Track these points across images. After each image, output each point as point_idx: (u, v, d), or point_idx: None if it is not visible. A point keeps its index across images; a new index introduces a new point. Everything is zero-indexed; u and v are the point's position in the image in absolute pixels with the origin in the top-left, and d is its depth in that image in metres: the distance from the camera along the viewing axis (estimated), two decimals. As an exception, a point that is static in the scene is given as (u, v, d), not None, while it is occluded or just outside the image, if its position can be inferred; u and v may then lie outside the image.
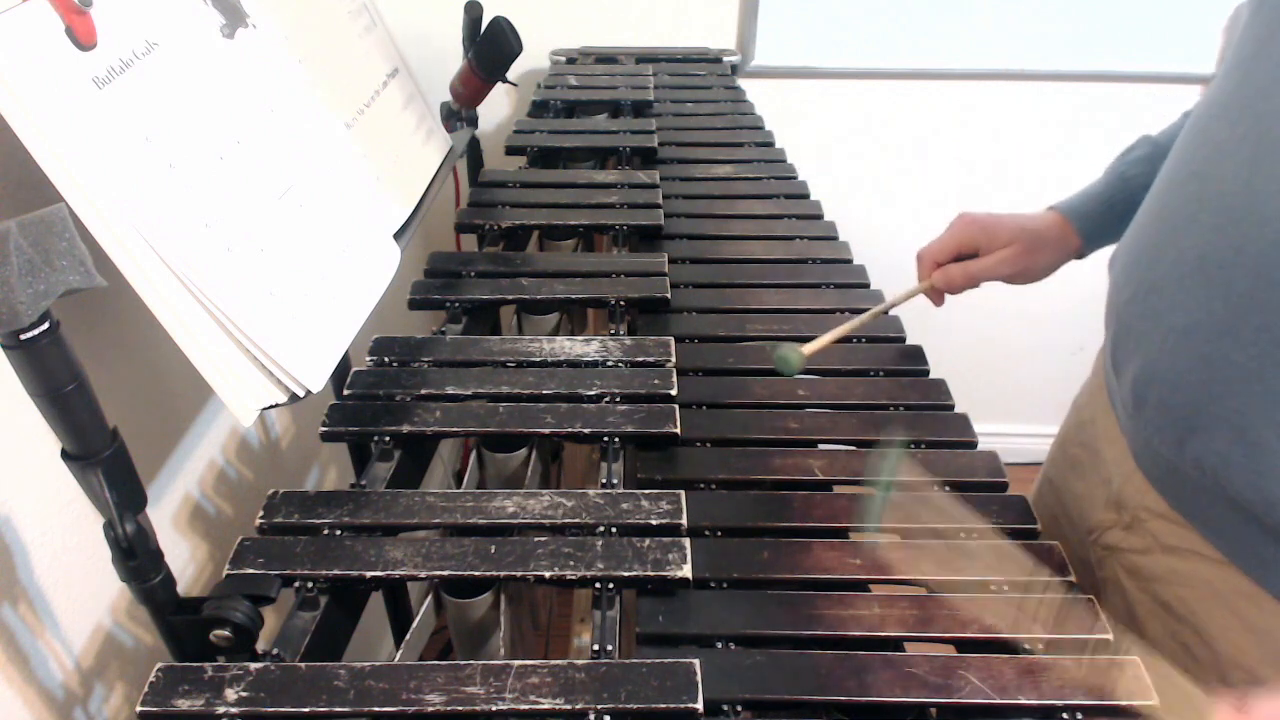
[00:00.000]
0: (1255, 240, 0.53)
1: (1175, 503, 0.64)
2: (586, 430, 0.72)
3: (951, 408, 0.78)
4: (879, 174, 1.77)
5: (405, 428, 0.72)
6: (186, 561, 0.83)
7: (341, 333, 0.68)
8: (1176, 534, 0.64)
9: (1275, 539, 0.57)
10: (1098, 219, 0.79)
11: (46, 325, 0.43)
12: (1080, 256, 0.82)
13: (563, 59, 1.55)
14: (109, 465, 0.49)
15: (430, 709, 0.51)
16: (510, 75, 1.16)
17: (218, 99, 0.63)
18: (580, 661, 0.54)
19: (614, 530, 0.63)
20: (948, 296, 0.86)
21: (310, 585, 0.60)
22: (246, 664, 0.54)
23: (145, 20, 0.58)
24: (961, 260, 0.83)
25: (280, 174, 0.67)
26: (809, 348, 0.75)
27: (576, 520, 0.63)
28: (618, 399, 0.75)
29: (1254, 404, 0.55)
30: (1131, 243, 0.68)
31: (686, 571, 0.60)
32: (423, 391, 0.75)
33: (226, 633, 0.54)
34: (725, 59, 1.58)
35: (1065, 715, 0.53)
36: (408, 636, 0.65)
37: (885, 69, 1.64)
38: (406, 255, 0.81)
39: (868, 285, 0.95)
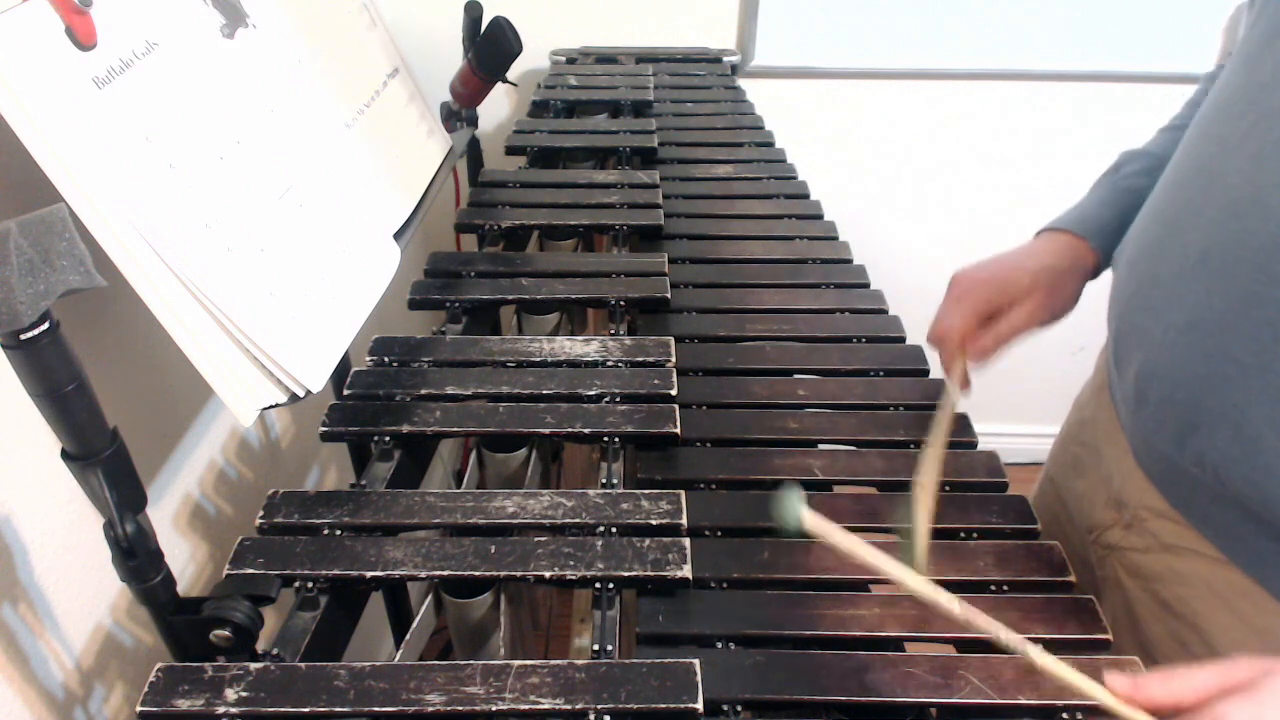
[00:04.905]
0: (1258, 234, 0.53)
1: (1175, 501, 0.64)
2: (586, 430, 0.72)
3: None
4: (879, 174, 1.77)
5: (405, 428, 0.72)
6: (186, 561, 0.83)
7: (341, 333, 0.68)
8: (1176, 533, 0.64)
9: (1274, 537, 0.57)
10: (1116, 235, 0.72)
11: (46, 325, 0.43)
12: (1094, 276, 0.74)
13: (563, 59, 1.55)
14: (109, 465, 0.49)
15: (430, 709, 0.51)
16: (510, 75, 1.16)
17: (218, 99, 0.63)
18: (580, 661, 0.54)
19: (614, 530, 0.63)
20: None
21: (310, 585, 0.60)
22: (246, 664, 0.54)
23: (145, 20, 0.58)
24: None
25: (280, 174, 0.67)
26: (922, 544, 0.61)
27: (576, 520, 0.63)
28: (618, 399, 0.75)
29: (1254, 400, 0.55)
30: (1136, 239, 0.68)
31: (686, 571, 0.60)
32: (423, 391, 0.75)
33: (226, 633, 0.54)
34: (725, 59, 1.58)
35: (1065, 715, 0.53)
36: (408, 636, 0.65)
37: (885, 69, 1.64)
38: (406, 255, 0.81)
39: (868, 285, 0.95)
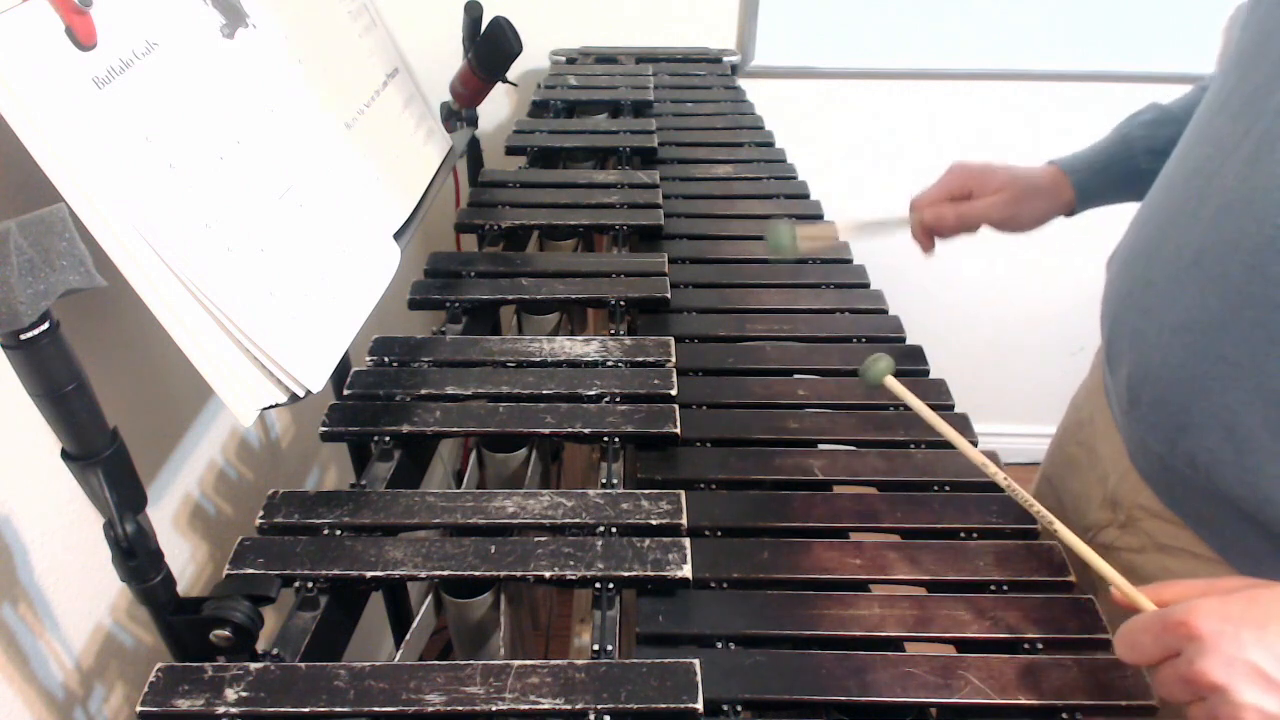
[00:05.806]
0: (1252, 236, 0.54)
1: (1169, 501, 0.64)
2: (586, 430, 0.72)
3: (951, 408, 0.78)
4: (879, 174, 1.77)
5: (405, 428, 0.72)
6: (186, 561, 0.83)
7: (341, 333, 0.68)
8: (1171, 533, 0.64)
9: (1267, 536, 0.57)
10: (1094, 175, 0.81)
11: (46, 325, 0.43)
12: (1070, 213, 0.83)
13: (563, 59, 1.55)
14: (109, 465, 0.49)
15: (430, 709, 0.51)
16: (510, 75, 1.16)
17: (218, 99, 0.63)
18: (580, 661, 0.54)
19: (614, 530, 0.63)
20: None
21: (310, 585, 0.60)
22: (246, 664, 0.54)
23: (145, 20, 0.58)
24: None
25: (280, 174, 0.67)
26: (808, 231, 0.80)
27: (576, 520, 0.63)
28: (618, 399, 0.75)
29: (1245, 400, 0.55)
30: (1131, 240, 0.68)
31: (686, 571, 0.60)
32: (423, 391, 0.75)
33: (226, 633, 0.54)
34: (725, 59, 1.58)
35: (1065, 715, 0.53)
36: (408, 636, 0.65)
37: (885, 69, 1.64)
38: (406, 255, 0.81)
39: (868, 285, 0.95)
